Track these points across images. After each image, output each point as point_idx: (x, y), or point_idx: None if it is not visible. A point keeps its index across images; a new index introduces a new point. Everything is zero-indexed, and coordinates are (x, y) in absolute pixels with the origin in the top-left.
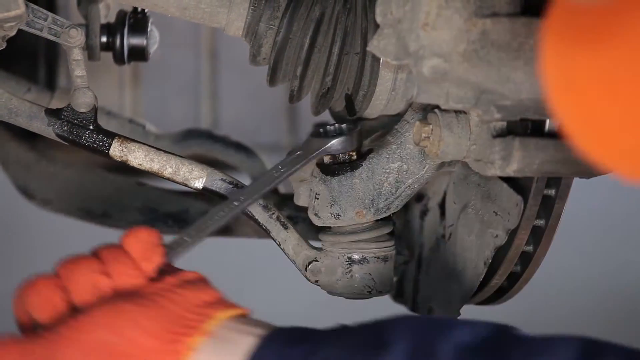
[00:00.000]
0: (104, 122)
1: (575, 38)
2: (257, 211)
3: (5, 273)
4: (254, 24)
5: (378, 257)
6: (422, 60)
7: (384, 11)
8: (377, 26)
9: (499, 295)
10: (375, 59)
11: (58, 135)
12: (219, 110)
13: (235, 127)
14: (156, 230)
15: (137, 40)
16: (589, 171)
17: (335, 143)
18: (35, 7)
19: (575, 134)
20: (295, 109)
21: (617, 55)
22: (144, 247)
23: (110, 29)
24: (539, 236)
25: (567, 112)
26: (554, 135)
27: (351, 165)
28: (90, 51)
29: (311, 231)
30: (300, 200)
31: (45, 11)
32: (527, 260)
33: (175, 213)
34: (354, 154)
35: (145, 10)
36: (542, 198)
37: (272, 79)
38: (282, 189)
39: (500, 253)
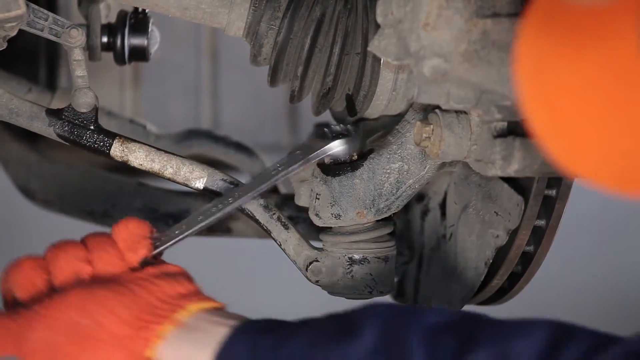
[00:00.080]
0: (104, 122)
1: (554, 40)
2: (258, 211)
3: None
4: (255, 24)
5: (379, 257)
6: (423, 60)
7: (384, 11)
8: (377, 26)
9: (500, 295)
10: (376, 59)
11: (59, 136)
12: (220, 111)
13: (235, 127)
14: (147, 222)
15: (138, 41)
16: None
17: (334, 145)
18: (36, 7)
19: (545, 138)
20: (296, 109)
21: (601, 59)
22: (131, 237)
23: (111, 29)
24: (540, 236)
25: (537, 114)
26: None
27: (352, 166)
28: (91, 51)
29: (312, 231)
30: (301, 200)
31: (46, 11)
32: (527, 261)
33: (175, 213)
34: (355, 154)
35: (146, 11)
36: (542, 198)
37: (273, 79)
38: (282, 189)
39: (501, 253)
